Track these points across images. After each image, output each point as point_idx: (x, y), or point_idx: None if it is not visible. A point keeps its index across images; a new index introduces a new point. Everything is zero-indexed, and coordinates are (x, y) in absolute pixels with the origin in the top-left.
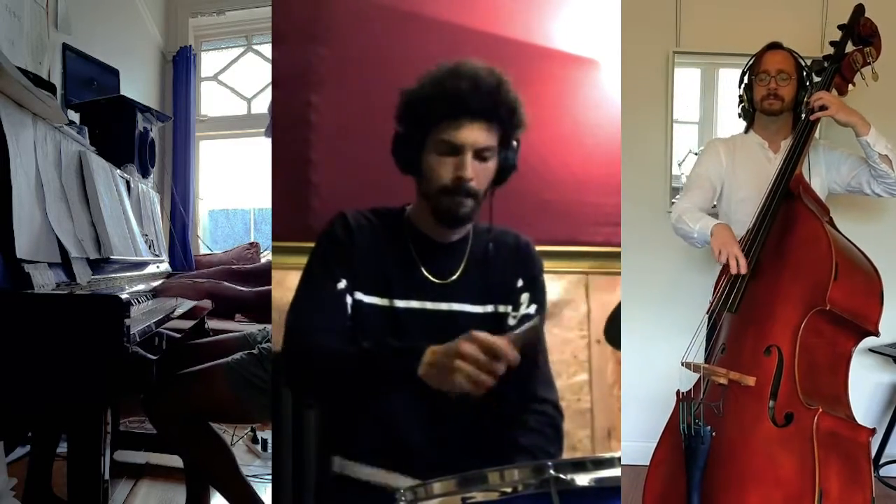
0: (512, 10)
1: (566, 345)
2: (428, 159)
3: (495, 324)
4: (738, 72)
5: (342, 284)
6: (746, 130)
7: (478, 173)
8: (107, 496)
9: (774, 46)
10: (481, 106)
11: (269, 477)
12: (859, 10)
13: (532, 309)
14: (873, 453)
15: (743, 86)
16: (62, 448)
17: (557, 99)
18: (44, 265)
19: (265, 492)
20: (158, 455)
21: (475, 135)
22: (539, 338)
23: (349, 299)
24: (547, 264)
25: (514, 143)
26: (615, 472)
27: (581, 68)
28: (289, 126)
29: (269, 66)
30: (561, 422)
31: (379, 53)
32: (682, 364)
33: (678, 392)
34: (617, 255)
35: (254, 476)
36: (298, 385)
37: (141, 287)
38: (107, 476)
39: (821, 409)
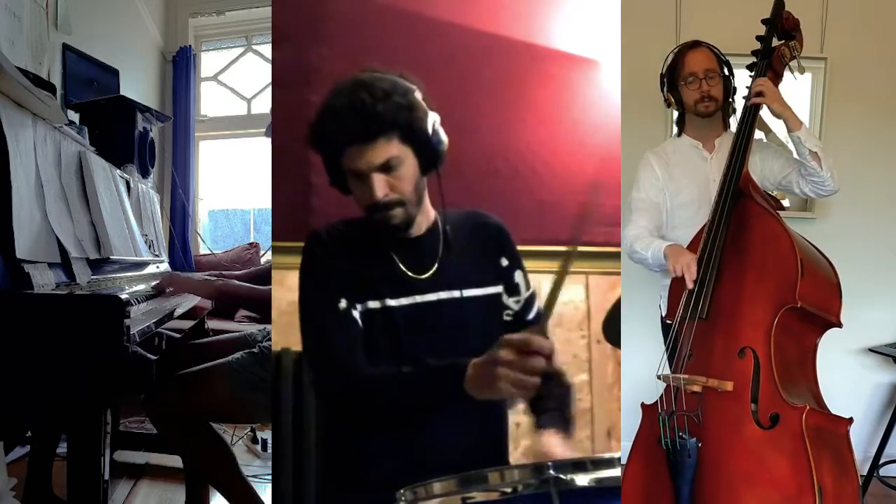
0: (512, 10)
1: (566, 345)
2: (348, 182)
3: (490, 304)
4: (739, 72)
5: (343, 304)
6: (679, 135)
7: (392, 184)
8: (107, 496)
9: (696, 45)
10: (364, 126)
11: (269, 477)
12: (779, 3)
13: (532, 285)
14: (873, 453)
15: (665, 89)
16: (62, 448)
17: (557, 99)
18: (44, 265)
19: (265, 492)
20: (158, 455)
21: (369, 157)
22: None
23: (355, 313)
24: (546, 264)
25: (429, 129)
26: (615, 472)
27: (581, 68)
28: (289, 126)
29: (269, 66)
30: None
31: (379, 53)
32: (659, 377)
33: (642, 404)
34: (617, 255)
35: (254, 476)
36: (354, 420)
37: (141, 287)
38: (107, 476)
39: (808, 407)
